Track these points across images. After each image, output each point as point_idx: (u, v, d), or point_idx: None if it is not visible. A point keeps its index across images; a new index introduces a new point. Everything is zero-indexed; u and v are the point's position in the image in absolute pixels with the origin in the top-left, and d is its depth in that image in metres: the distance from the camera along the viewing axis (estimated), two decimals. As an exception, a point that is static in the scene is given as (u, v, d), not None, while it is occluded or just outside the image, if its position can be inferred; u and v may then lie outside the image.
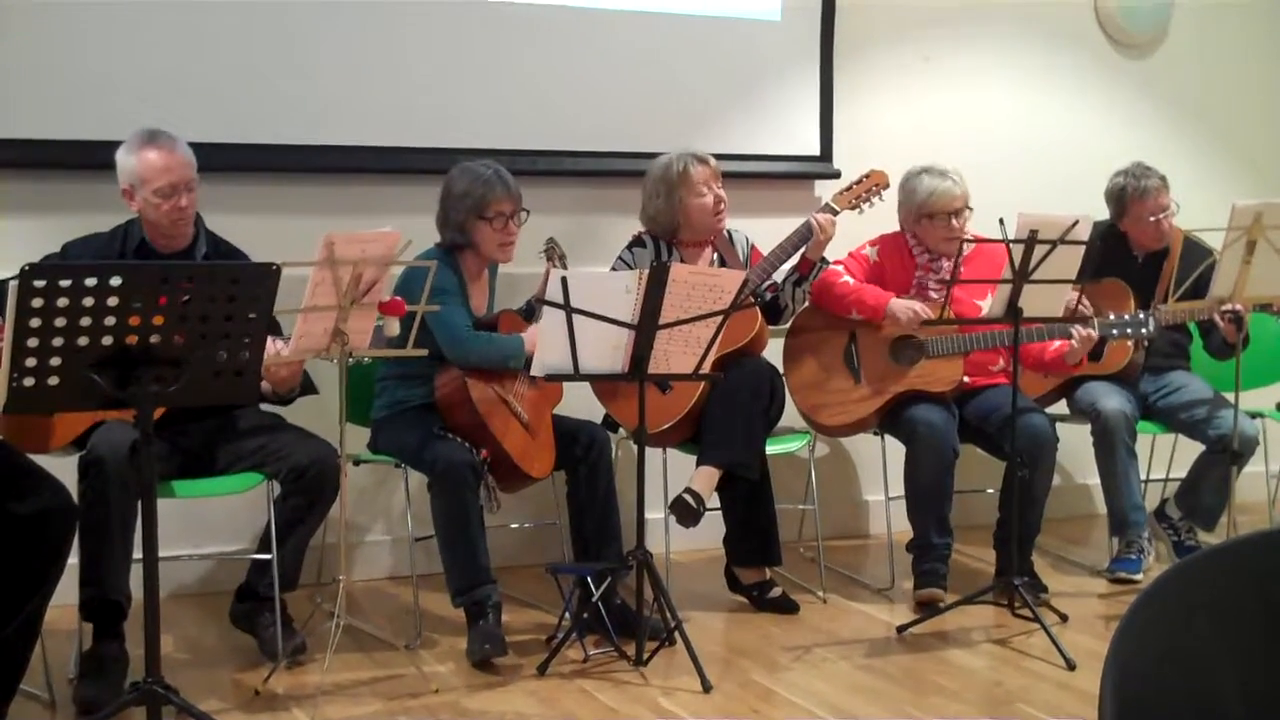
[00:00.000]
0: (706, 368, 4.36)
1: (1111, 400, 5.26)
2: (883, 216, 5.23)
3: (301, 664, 4.33)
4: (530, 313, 4.73)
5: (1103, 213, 5.47)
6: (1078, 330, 4.83)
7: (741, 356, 4.86)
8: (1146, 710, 1.49)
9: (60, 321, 3.11)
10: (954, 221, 5.04)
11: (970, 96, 6.31)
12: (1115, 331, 4.95)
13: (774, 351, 5.17)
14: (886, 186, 5.18)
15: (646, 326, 4.19)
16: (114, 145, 4.29)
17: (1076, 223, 4.44)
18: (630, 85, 5.67)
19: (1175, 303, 4.91)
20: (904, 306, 5.03)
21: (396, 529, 5.41)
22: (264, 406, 4.42)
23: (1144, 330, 4.94)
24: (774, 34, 5.89)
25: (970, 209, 5.06)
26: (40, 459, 3.81)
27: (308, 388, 4.33)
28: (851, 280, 5.14)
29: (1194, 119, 6.70)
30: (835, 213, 5.09)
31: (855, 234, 5.26)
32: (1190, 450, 5.47)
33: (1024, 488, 4.82)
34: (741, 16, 5.84)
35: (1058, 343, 4.99)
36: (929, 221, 5.08)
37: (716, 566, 5.19)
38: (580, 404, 4.97)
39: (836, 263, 5.16)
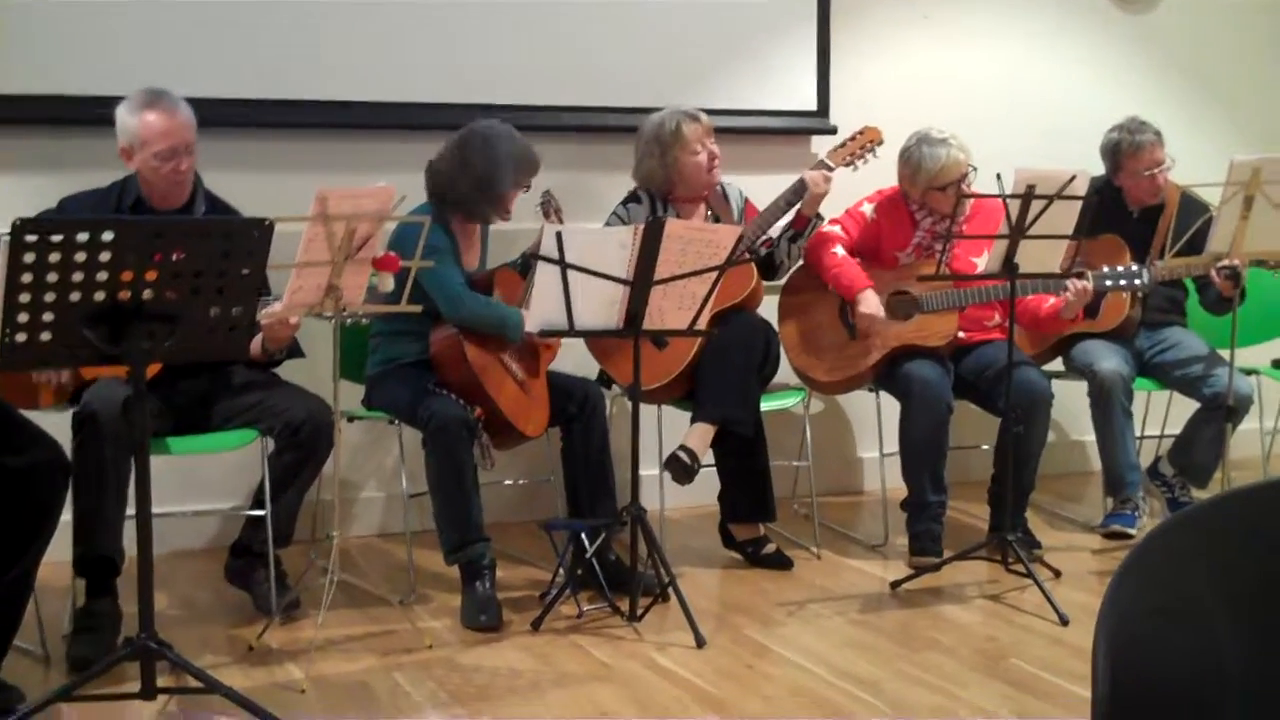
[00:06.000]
0: (702, 324, 4.35)
1: (1108, 361, 5.25)
2: (878, 173, 5.21)
3: (296, 619, 4.35)
4: (526, 267, 4.71)
5: (1100, 168, 5.45)
6: (1072, 284, 4.81)
7: (737, 312, 4.86)
8: (1140, 664, 1.49)
9: (52, 277, 3.10)
10: (964, 185, 5.00)
11: (968, 52, 6.27)
12: (1109, 283, 4.92)
13: (769, 308, 5.16)
14: (881, 143, 5.16)
15: (641, 282, 4.18)
16: (112, 101, 4.27)
17: (1073, 178, 4.42)
18: (627, 40, 5.63)
19: (1172, 258, 4.89)
20: (868, 307, 4.99)
21: (390, 485, 5.42)
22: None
23: (1138, 281, 4.92)
24: (771, -12, 5.86)
25: (975, 168, 5.02)
26: (34, 415, 3.80)
27: (294, 351, 4.32)
28: (840, 250, 5.11)
29: (1192, 74, 6.67)
30: (830, 169, 5.06)
31: (852, 190, 5.24)
32: (1185, 407, 5.47)
33: (1018, 444, 4.82)
34: (738, -30, 5.80)
35: (1052, 299, 4.97)
36: (941, 193, 5.03)
37: (711, 523, 5.20)
38: (575, 361, 4.97)
39: (833, 221, 5.15)
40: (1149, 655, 1.49)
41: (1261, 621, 1.51)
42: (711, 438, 4.81)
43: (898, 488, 5.14)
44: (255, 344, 4.05)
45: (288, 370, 4.46)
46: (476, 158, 4.56)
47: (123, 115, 4.22)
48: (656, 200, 5.01)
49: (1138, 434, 5.46)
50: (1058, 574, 4.83)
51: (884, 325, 5.00)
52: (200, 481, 5.02)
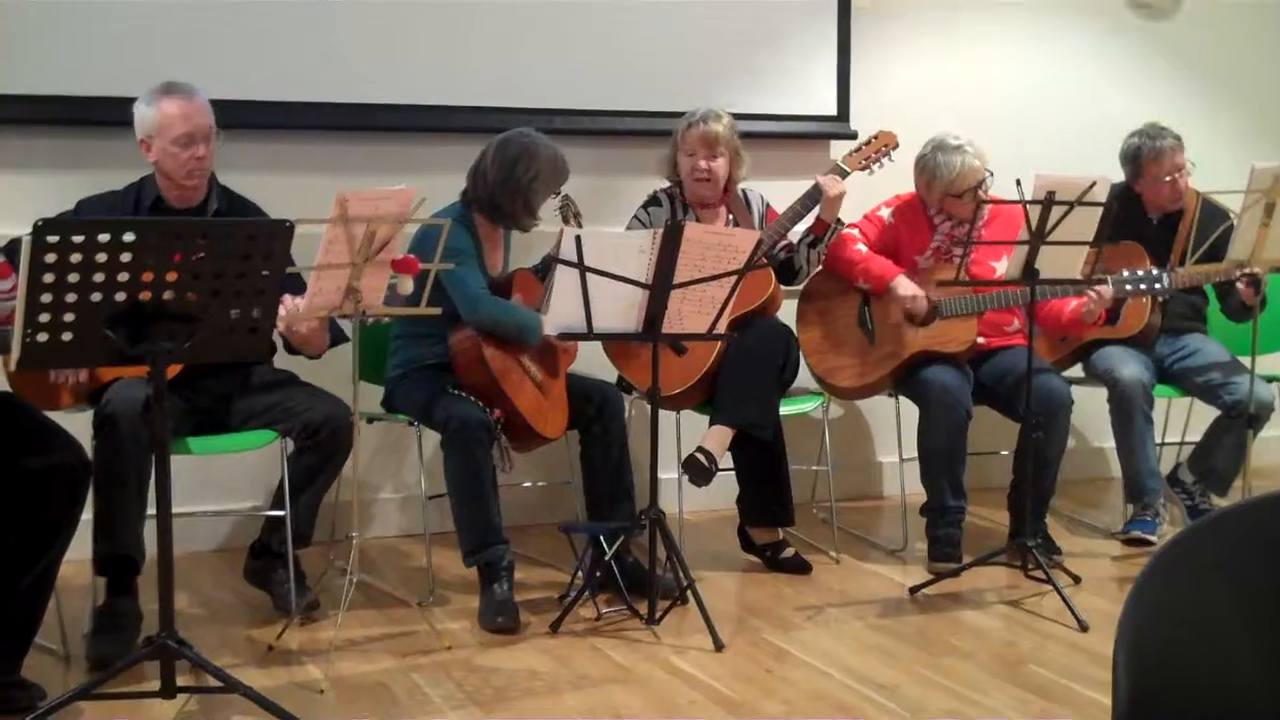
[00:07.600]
0: (721, 328, 4.35)
1: (1128, 368, 5.23)
2: (896, 177, 5.20)
3: (315, 620, 4.36)
4: (546, 271, 4.71)
5: (1119, 174, 5.44)
6: (1095, 289, 4.80)
7: (756, 317, 4.85)
8: (1161, 673, 1.49)
9: (73, 277, 3.11)
10: (981, 192, 4.99)
11: (987, 58, 6.26)
12: (1129, 288, 4.91)
13: (788, 313, 5.16)
14: (896, 147, 5.14)
15: (660, 286, 4.18)
16: (129, 101, 4.29)
17: (1094, 184, 4.41)
18: (648, 44, 5.63)
19: (1193, 265, 4.87)
20: (907, 290, 5.01)
21: (410, 487, 5.43)
22: (283, 363, 4.43)
23: (1158, 286, 4.91)
24: (791, -7, 5.86)
25: (991, 173, 5.02)
26: (55, 415, 3.82)
27: (339, 337, 4.33)
28: (864, 247, 5.12)
29: (1212, 81, 6.65)
30: (845, 174, 5.05)
31: (869, 195, 5.24)
32: (1206, 414, 5.45)
33: (1038, 450, 4.80)
34: (759, -25, 5.80)
35: (1075, 301, 4.96)
36: (957, 199, 5.03)
37: (729, 526, 5.20)
38: (594, 364, 4.97)
39: (851, 225, 5.14)
40: (1169, 667, 1.49)
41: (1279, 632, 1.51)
42: (730, 441, 4.81)
43: (917, 493, 5.14)
44: (316, 334, 4.15)
45: (308, 370, 4.47)
46: (519, 170, 4.58)
47: (140, 108, 4.24)
48: (677, 204, 5.01)
49: (1158, 441, 5.44)
50: (1077, 580, 4.82)
51: (925, 302, 4.99)
52: (220, 482, 5.04)
